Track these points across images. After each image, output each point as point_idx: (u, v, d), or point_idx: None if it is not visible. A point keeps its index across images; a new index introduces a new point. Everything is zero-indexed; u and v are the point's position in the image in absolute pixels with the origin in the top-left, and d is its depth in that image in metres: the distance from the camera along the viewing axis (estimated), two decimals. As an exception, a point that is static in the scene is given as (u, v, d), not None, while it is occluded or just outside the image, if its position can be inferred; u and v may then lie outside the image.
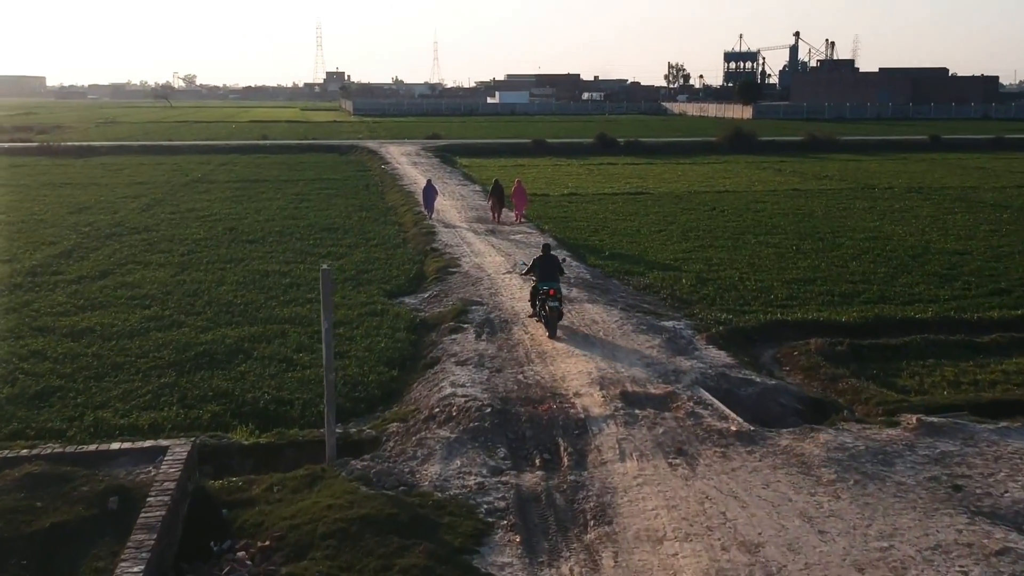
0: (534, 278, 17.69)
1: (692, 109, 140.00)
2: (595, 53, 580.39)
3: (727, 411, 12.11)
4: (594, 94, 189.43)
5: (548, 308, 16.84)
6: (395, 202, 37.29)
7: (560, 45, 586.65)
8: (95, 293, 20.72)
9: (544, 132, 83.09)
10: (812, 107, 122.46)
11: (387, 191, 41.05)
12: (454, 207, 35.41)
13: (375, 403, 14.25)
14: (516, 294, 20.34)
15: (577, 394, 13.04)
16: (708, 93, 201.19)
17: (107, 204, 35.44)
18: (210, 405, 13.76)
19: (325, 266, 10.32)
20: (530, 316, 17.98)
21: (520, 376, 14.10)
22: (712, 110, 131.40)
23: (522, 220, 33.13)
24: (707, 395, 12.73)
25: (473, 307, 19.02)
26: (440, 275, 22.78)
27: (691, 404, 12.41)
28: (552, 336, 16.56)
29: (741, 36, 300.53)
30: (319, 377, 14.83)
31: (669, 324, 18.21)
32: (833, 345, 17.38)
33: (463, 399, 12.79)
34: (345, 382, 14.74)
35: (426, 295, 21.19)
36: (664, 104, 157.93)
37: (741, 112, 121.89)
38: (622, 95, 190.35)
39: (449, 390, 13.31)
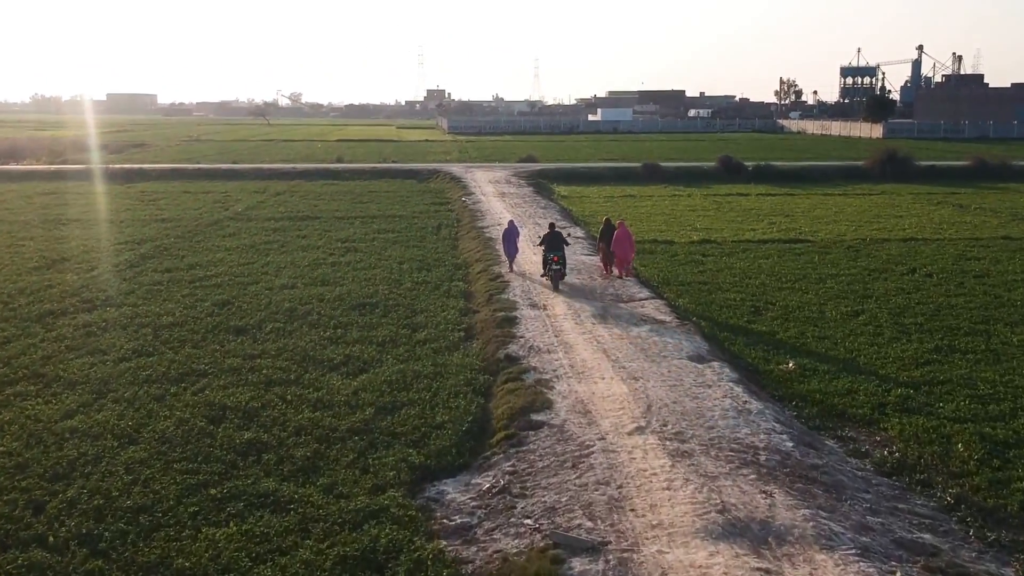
0: (543, 248, 22.41)
1: (812, 127, 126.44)
2: (699, 69, 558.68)
3: None
4: (701, 111, 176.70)
5: (553, 271, 21.85)
6: (469, 254, 27.37)
7: (662, 61, 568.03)
8: None
9: (653, 153, 72.52)
10: (950, 126, 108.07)
11: (462, 235, 31.20)
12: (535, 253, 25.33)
13: None
14: (661, 510, 9.97)
15: None
16: (823, 110, 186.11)
17: (92, 255, 26.51)
18: None
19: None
20: (541, 275, 22.59)
21: None
22: (836, 128, 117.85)
23: (627, 274, 23.52)
24: None
25: (573, 560, 8.79)
26: (515, 430, 12.52)
27: None
28: (556, 290, 21.52)
29: (859, 50, 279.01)
30: None
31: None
32: None
33: None
34: None
35: (486, 485, 10.98)
36: (780, 121, 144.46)
37: (870, 131, 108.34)
38: (731, 112, 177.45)
39: None
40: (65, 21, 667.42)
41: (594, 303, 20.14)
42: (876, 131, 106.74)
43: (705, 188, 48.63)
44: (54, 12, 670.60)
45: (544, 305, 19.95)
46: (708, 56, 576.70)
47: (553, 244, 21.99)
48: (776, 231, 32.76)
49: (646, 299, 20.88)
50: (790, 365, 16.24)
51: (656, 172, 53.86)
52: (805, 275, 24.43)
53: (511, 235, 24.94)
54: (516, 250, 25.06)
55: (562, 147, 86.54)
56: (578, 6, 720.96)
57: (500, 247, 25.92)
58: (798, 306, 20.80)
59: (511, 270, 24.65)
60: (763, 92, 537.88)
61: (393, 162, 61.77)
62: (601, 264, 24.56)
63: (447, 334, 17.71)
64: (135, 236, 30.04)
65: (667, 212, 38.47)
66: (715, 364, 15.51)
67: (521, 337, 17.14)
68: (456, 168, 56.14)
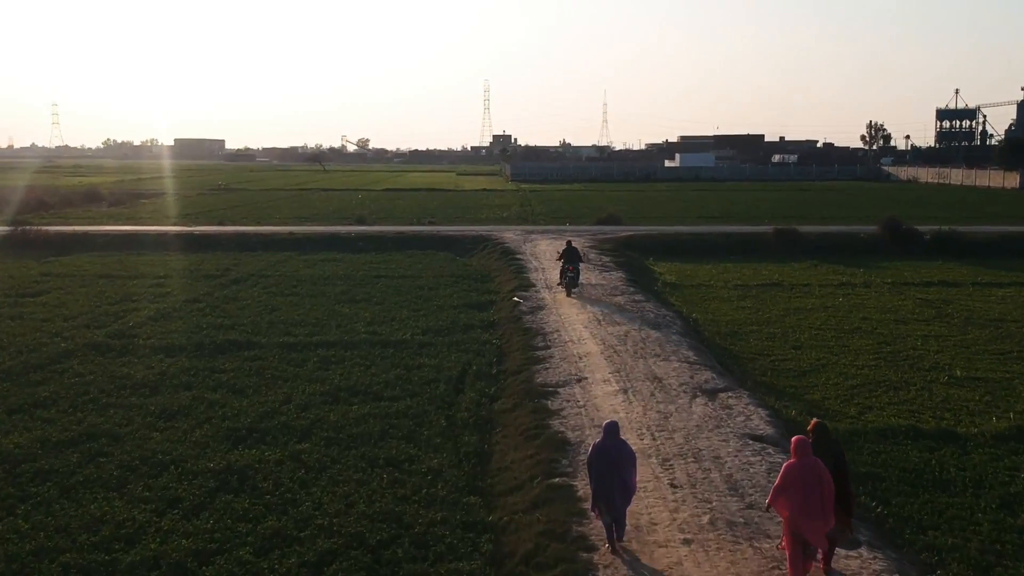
0: (561, 261, 25.00)
1: (926, 175, 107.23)
2: (772, 112, 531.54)
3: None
4: (785, 156, 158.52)
5: (568, 278, 24.43)
6: (514, 507, 10.87)
7: (732, 104, 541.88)
8: None
9: (761, 209, 55.77)
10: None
11: (504, 413, 14.68)
12: (691, 530, 8.69)
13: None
14: None
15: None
16: (916, 155, 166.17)
17: None
18: None
19: None
20: (557, 284, 25.36)
21: None
22: (957, 176, 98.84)
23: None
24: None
25: None
26: None
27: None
28: (568, 295, 24.15)
29: (957, 91, 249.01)
30: None
31: None
32: None
33: None
34: None
35: None
36: (886, 169, 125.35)
37: (1002, 180, 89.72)
38: (818, 157, 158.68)
39: None
40: (139, 67, 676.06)
41: None
42: (1011, 180, 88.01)
43: (876, 269, 31.68)
44: (127, 59, 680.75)
45: None
46: (781, 99, 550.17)
47: (571, 257, 24.74)
48: None
49: None
50: None
51: (794, 241, 36.96)
52: None
53: (613, 457, 9.09)
54: (630, 493, 9.20)
55: (643, 199, 69.78)
56: (646, 51, 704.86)
57: (587, 480, 9.69)
58: None
59: (613, 551, 8.58)
60: (844, 136, 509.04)
61: (430, 222, 45.85)
62: (789, 567, 8.42)
63: None
64: None
65: (858, 325, 21.68)
66: None
67: None
68: (513, 234, 39.81)
